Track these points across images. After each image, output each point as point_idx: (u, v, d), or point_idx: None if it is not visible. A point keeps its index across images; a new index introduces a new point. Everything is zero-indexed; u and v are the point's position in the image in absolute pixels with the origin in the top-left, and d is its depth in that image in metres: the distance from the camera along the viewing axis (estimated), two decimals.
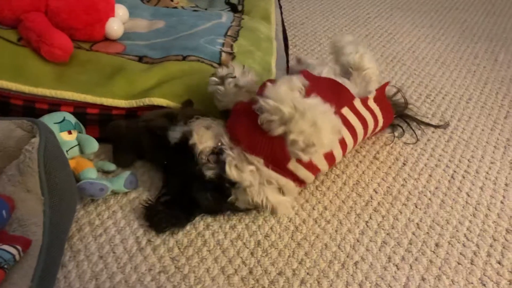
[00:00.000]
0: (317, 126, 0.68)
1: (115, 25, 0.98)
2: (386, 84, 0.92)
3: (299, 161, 0.73)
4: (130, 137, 0.83)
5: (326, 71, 0.91)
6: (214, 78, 0.84)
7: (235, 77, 0.83)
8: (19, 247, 0.58)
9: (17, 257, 0.57)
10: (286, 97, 0.69)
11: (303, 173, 0.75)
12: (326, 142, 0.71)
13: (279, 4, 1.47)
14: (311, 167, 0.75)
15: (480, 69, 1.35)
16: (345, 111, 0.82)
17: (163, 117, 0.82)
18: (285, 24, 1.40)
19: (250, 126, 0.72)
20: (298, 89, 0.74)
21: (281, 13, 1.42)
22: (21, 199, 0.64)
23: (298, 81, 0.76)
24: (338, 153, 0.81)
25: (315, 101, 0.72)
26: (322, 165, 0.78)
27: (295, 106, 0.68)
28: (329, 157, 0.79)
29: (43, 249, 0.60)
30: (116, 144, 0.85)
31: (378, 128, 0.92)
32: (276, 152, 0.71)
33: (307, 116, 0.68)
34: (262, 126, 0.71)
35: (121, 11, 1.01)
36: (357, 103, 0.85)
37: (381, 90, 0.91)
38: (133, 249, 0.70)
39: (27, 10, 0.92)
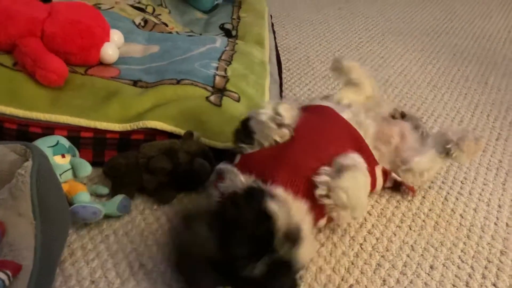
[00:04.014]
0: (355, 215, 0.72)
1: (110, 50, 0.99)
2: (414, 191, 0.90)
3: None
4: (130, 175, 0.82)
5: (348, 117, 0.85)
6: (273, 126, 0.74)
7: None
8: (9, 272, 0.57)
9: (6, 282, 0.56)
10: (358, 201, 0.70)
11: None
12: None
13: (273, 30, 1.49)
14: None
15: (471, 92, 1.37)
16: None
17: (164, 155, 0.82)
18: (279, 48, 1.42)
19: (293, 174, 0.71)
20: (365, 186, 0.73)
21: (275, 38, 1.44)
22: (12, 223, 0.63)
23: (366, 171, 0.72)
24: None
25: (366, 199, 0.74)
26: None
27: (355, 207, 0.69)
28: None
29: (33, 274, 0.59)
30: (116, 181, 0.84)
31: None
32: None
33: (356, 212, 0.70)
34: (318, 198, 0.70)
35: (116, 36, 1.03)
36: (378, 171, 0.83)
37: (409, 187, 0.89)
38: (126, 274, 0.69)
39: (23, 35, 0.93)
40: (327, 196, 0.69)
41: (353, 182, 0.69)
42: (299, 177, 0.70)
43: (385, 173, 0.86)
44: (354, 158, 0.71)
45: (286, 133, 0.75)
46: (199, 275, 0.61)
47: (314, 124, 0.80)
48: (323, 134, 0.79)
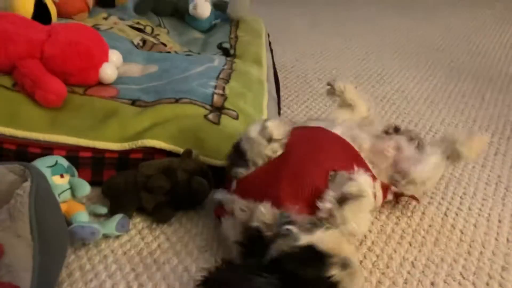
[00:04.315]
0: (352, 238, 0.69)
1: (109, 70, 1.00)
2: (418, 200, 0.90)
3: None
4: (128, 194, 0.82)
5: (341, 132, 0.85)
6: (263, 141, 0.74)
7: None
8: None
9: None
10: (359, 228, 0.67)
11: None
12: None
13: (270, 48, 1.51)
14: None
15: (468, 108, 1.38)
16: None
17: (162, 174, 0.82)
18: (276, 66, 1.43)
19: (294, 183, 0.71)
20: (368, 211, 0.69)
21: (272, 56, 1.46)
22: (10, 244, 0.63)
23: (370, 194, 0.69)
24: None
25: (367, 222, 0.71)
26: None
27: (355, 233, 0.67)
28: None
29: None
30: (114, 200, 0.84)
31: None
32: None
33: (356, 234, 0.68)
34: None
35: (115, 56, 1.04)
36: (377, 186, 0.82)
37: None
38: None
39: (23, 57, 0.94)
40: (328, 220, 0.67)
41: (355, 213, 0.67)
42: (301, 187, 0.70)
43: (385, 188, 0.85)
44: (360, 182, 0.68)
45: (276, 147, 0.74)
46: None
47: (307, 138, 0.79)
48: (318, 145, 0.78)
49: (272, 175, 0.72)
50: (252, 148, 0.74)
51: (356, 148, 0.82)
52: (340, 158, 0.77)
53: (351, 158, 0.78)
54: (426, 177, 0.87)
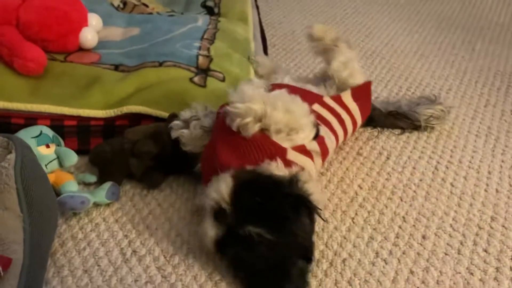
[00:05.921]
0: (290, 111, 0.70)
1: (89, 35, 0.97)
2: (369, 83, 0.92)
3: (295, 148, 0.72)
4: (116, 162, 0.81)
5: (287, 80, 0.91)
6: (177, 122, 0.79)
7: (199, 119, 0.79)
8: None
9: None
10: (253, 94, 0.69)
11: (303, 160, 0.73)
12: (304, 123, 0.72)
13: (256, 5, 1.46)
14: (307, 153, 0.74)
15: (458, 59, 1.36)
16: (316, 107, 0.81)
17: (149, 138, 0.80)
18: (263, 24, 1.39)
19: (229, 145, 0.71)
20: (261, 87, 0.74)
21: (259, 13, 1.42)
22: None
23: (259, 82, 0.76)
24: (330, 143, 0.79)
25: (280, 91, 0.73)
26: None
27: (264, 101, 0.68)
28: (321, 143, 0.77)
29: (24, 267, 0.58)
30: (103, 169, 0.83)
31: (357, 126, 0.92)
32: (270, 149, 0.70)
33: (278, 106, 0.69)
34: (240, 132, 0.70)
35: (94, 20, 1.00)
36: (328, 100, 0.85)
37: (360, 88, 0.90)
38: (118, 261, 0.69)
39: None
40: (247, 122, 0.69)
41: (238, 93, 0.70)
42: (232, 143, 0.71)
43: (339, 99, 0.87)
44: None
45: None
46: None
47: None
48: None
49: (212, 145, 0.74)
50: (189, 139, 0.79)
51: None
52: None
53: None
54: (343, 62, 0.92)
